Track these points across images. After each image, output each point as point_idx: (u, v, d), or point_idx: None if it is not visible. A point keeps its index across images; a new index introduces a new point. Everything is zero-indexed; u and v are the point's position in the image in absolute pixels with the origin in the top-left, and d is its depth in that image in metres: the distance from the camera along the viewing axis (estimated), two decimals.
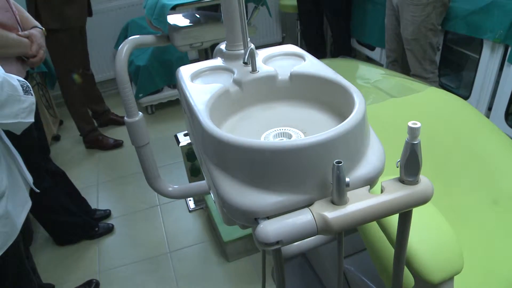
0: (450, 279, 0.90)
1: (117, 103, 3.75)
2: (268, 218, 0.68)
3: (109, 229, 2.49)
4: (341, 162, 0.64)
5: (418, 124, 0.66)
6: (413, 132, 0.67)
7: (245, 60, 0.91)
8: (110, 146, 3.33)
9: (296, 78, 0.96)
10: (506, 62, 2.34)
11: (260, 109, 0.96)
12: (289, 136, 0.84)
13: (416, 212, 0.75)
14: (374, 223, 1.05)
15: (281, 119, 0.91)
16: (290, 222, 0.65)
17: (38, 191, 1.54)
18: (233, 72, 0.99)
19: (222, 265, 2.15)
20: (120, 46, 1.54)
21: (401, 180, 0.72)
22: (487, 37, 2.37)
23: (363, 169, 0.73)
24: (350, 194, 0.69)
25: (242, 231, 2.08)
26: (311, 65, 0.99)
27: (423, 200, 0.71)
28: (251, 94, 0.95)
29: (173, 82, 3.68)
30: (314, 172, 0.69)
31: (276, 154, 0.67)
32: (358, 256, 1.52)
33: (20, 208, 1.39)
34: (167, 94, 3.73)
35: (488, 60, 2.45)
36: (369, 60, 3.75)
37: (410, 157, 0.68)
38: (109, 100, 3.78)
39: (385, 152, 0.80)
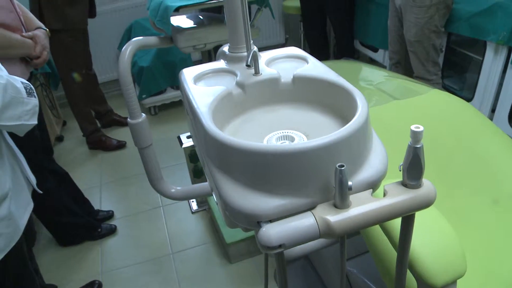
0: (453, 282, 0.90)
1: (120, 104, 3.76)
2: (270, 221, 0.68)
3: (112, 230, 2.49)
4: (343, 166, 0.64)
5: (421, 128, 0.66)
6: (415, 136, 0.66)
7: (248, 63, 0.91)
8: (113, 147, 3.34)
9: (299, 81, 0.95)
10: (509, 64, 2.34)
11: (262, 112, 0.96)
12: (292, 139, 0.84)
13: (419, 215, 0.75)
14: (377, 226, 1.04)
15: (284, 122, 0.91)
16: (293, 226, 0.65)
17: (41, 192, 1.54)
18: (236, 75, 0.99)
19: (224, 267, 2.16)
20: (124, 47, 1.55)
21: (403, 184, 0.72)
22: (491, 39, 2.37)
23: (366, 173, 0.73)
24: (352, 197, 0.69)
25: (244, 233, 2.08)
26: (314, 67, 0.99)
27: (426, 204, 0.71)
28: (254, 97, 0.95)
29: (176, 83, 3.69)
30: (317, 175, 0.69)
31: (279, 157, 0.67)
32: (360, 258, 1.52)
33: (22, 209, 1.39)
34: (170, 95, 3.74)
35: (492, 62, 2.44)
36: (372, 61, 3.75)
37: (413, 161, 0.68)
38: (112, 101, 3.78)
39: (388, 154, 0.80)
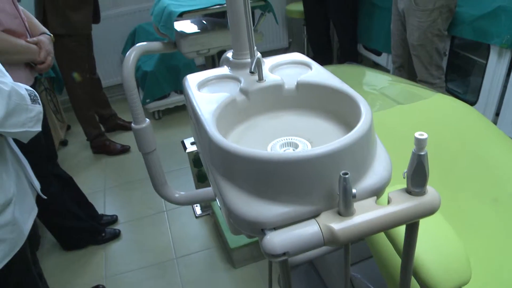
0: None
1: (124, 108, 3.77)
2: (275, 229, 0.68)
3: (116, 235, 2.49)
4: (347, 174, 0.64)
5: (425, 135, 0.66)
6: (420, 143, 0.66)
7: (252, 70, 0.91)
8: (117, 152, 3.34)
9: (303, 87, 0.96)
10: None
11: (266, 118, 0.96)
12: (296, 146, 0.84)
13: (423, 221, 0.75)
14: (381, 233, 1.04)
15: (288, 128, 0.91)
16: (297, 234, 0.65)
17: (45, 197, 1.55)
18: (239, 81, 0.99)
19: (228, 272, 2.15)
20: (128, 53, 1.55)
21: (408, 191, 0.72)
22: (494, 43, 2.36)
23: (370, 180, 0.73)
24: (356, 205, 0.69)
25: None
26: (318, 74, 0.99)
27: (430, 211, 0.71)
28: (257, 103, 0.95)
29: (180, 87, 3.70)
30: (321, 183, 0.69)
31: (283, 165, 0.67)
32: (364, 264, 1.52)
33: (27, 214, 1.39)
34: (174, 99, 3.75)
35: (496, 65, 2.44)
36: (375, 65, 3.74)
37: (417, 168, 0.68)
38: (116, 105, 3.80)
39: (392, 160, 0.80)
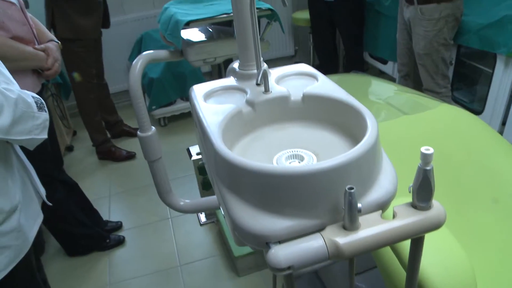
0: None
1: (130, 115, 3.78)
2: (279, 242, 0.68)
3: (120, 241, 2.50)
4: (353, 188, 0.64)
5: (431, 150, 0.66)
6: (426, 158, 0.66)
7: (258, 82, 0.91)
8: (122, 158, 3.35)
9: (309, 99, 0.96)
10: None
11: (272, 130, 0.96)
12: (301, 158, 0.84)
13: (428, 234, 0.75)
14: None
15: (293, 140, 0.91)
16: (302, 248, 0.65)
17: (50, 204, 1.55)
18: (246, 92, 0.99)
19: (232, 280, 2.15)
20: (134, 61, 1.56)
21: (413, 205, 0.72)
22: (501, 52, 2.35)
23: (375, 194, 0.73)
24: (362, 219, 0.69)
25: None
26: (324, 85, 0.99)
27: (435, 226, 0.71)
28: (263, 115, 0.95)
29: (186, 94, 3.70)
30: (326, 197, 0.69)
31: (289, 179, 0.68)
32: (369, 274, 1.51)
33: (32, 221, 1.40)
34: (180, 106, 3.75)
35: (502, 74, 2.43)
36: (381, 74, 3.74)
37: (423, 183, 0.68)
38: (122, 111, 3.81)
39: (397, 170, 0.80)
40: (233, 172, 0.73)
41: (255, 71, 1.04)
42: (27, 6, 2.57)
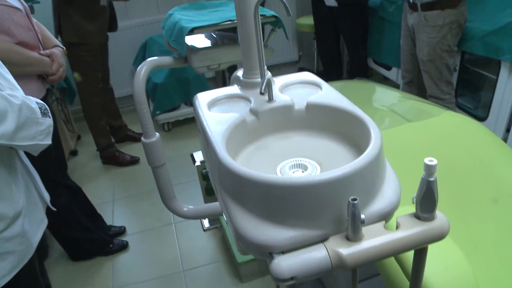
0: None
1: (134, 120, 3.79)
2: (283, 252, 0.68)
3: (124, 246, 2.50)
4: (356, 199, 0.64)
5: (435, 161, 0.66)
6: (429, 169, 0.66)
7: (262, 91, 0.92)
8: (126, 163, 3.36)
9: (313, 108, 0.96)
10: None
11: (276, 139, 0.96)
12: (305, 168, 0.84)
13: (431, 244, 0.75)
14: None
15: (297, 149, 0.91)
16: (305, 258, 0.65)
17: (54, 209, 1.56)
18: (249, 101, 1.00)
19: (235, 286, 2.15)
20: (138, 67, 1.57)
21: (416, 216, 0.72)
22: (505, 58, 2.35)
23: (379, 204, 0.73)
24: (365, 230, 0.69)
25: None
26: (328, 94, 0.99)
27: (439, 237, 0.71)
28: (267, 124, 0.96)
29: (190, 99, 3.71)
30: (330, 207, 0.69)
31: (292, 190, 0.68)
32: (372, 281, 1.51)
33: (36, 226, 1.40)
34: (184, 111, 3.76)
35: (506, 81, 2.43)
36: (385, 80, 3.74)
37: (426, 194, 0.68)
38: (127, 116, 3.82)
39: (401, 178, 0.80)
40: (236, 182, 0.73)
41: (259, 79, 1.04)
42: (32, 11, 2.59)
